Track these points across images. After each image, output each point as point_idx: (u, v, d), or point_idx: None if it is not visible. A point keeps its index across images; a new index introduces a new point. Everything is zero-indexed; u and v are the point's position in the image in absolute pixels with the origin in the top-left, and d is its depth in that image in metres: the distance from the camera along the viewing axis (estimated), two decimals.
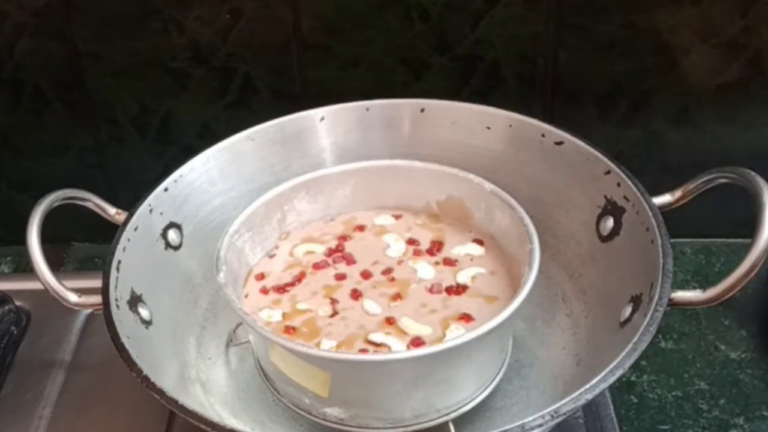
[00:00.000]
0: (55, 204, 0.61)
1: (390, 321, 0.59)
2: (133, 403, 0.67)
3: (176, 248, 0.66)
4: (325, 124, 0.70)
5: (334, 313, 0.60)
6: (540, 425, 0.48)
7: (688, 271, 0.81)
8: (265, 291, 0.63)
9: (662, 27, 0.75)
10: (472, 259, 0.64)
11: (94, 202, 0.64)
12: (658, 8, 0.74)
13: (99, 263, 0.57)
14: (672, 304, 0.54)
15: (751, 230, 0.53)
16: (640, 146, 0.78)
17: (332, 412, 0.56)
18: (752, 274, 0.52)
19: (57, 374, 0.72)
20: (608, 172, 0.64)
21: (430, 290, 0.62)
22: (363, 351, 0.57)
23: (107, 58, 0.79)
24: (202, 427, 0.50)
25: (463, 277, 0.63)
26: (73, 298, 0.59)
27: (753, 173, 0.55)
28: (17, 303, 0.76)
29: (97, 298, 0.57)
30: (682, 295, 0.54)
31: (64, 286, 0.59)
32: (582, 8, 0.75)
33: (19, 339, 0.75)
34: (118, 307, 0.57)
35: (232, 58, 0.79)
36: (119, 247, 0.60)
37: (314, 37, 0.78)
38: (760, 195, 0.54)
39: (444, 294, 0.62)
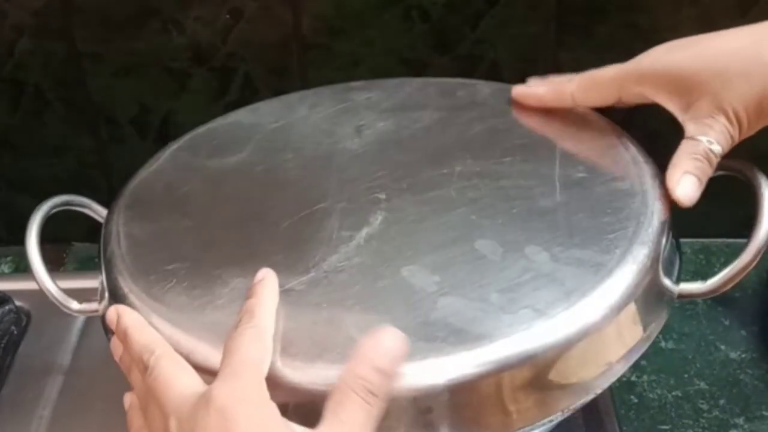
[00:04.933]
0: (53, 211, 0.61)
1: None
2: None
3: None
4: None
5: None
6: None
7: (688, 271, 0.81)
8: None
9: (662, 27, 0.75)
10: None
11: (92, 208, 0.64)
12: (658, 8, 0.74)
13: (98, 268, 0.57)
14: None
15: (750, 230, 0.53)
16: None
17: None
18: (753, 265, 0.52)
19: (57, 374, 0.72)
20: None
21: None
22: None
23: (107, 58, 0.80)
24: None
25: None
26: (74, 305, 0.59)
27: (752, 165, 0.55)
28: (17, 303, 0.76)
29: (98, 305, 0.57)
30: (683, 286, 0.54)
31: (65, 293, 0.59)
32: (582, 8, 0.75)
33: (19, 339, 0.75)
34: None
35: (232, 58, 0.79)
36: None
37: (314, 37, 0.78)
38: (759, 187, 0.54)
39: None
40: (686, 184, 0.54)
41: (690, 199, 0.54)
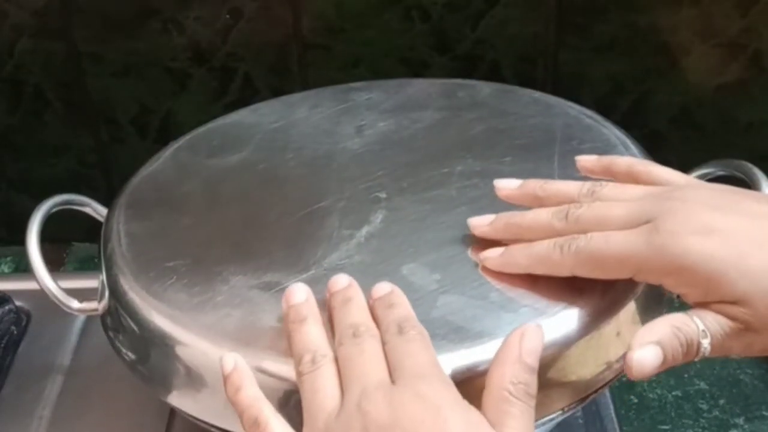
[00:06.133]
0: (53, 210, 0.61)
1: None
2: (133, 404, 0.67)
3: None
4: None
5: None
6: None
7: None
8: None
9: (662, 27, 0.75)
10: None
11: (92, 207, 0.64)
12: (658, 8, 0.74)
13: (98, 266, 0.57)
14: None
15: None
16: None
17: None
18: None
19: (57, 374, 0.72)
20: None
21: None
22: None
23: (107, 58, 0.80)
24: (205, 426, 0.50)
25: None
26: (75, 304, 0.59)
27: (751, 165, 0.55)
28: (17, 303, 0.76)
29: (98, 303, 0.57)
30: None
31: (65, 292, 0.59)
32: (582, 8, 0.75)
33: (19, 339, 0.75)
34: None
35: (232, 58, 0.79)
36: None
37: (314, 37, 0.78)
38: (758, 186, 0.54)
39: None
40: (650, 354, 0.44)
41: (642, 372, 0.44)
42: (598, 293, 0.49)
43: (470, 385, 0.45)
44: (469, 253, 0.52)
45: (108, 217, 0.59)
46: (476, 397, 0.44)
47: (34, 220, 0.60)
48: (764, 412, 0.69)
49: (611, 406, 0.67)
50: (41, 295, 0.60)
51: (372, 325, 0.46)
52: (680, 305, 0.56)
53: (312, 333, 0.46)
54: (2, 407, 0.70)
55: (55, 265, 0.86)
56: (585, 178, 0.54)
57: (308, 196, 0.58)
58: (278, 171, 0.61)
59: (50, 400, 0.70)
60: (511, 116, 0.64)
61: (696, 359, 0.46)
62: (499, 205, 0.55)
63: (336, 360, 0.45)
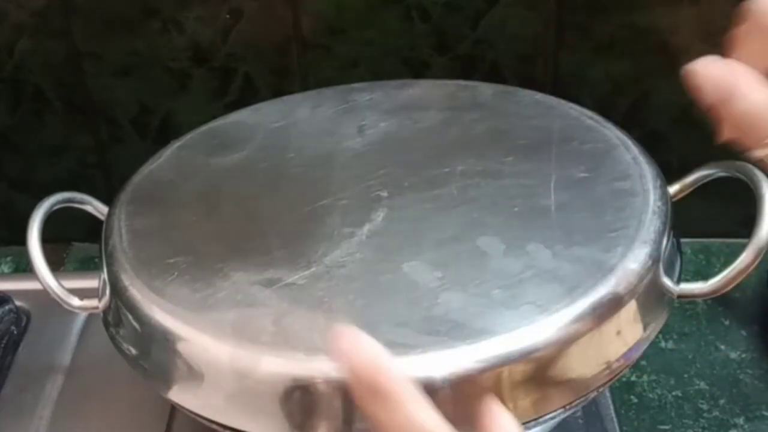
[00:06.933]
0: (54, 208, 0.62)
1: None
2: (134, 404, 0.67)
3: None
4: None
5: None
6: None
7: (688, 271, 0.81)
8: None
9: (662, 27, 0.75)
10: None
11: (93, 206, 0.64)
12: (658, 8, 0.74)
13: (99, 263, 0.57)
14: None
15: (751, 230, 0.53)
16: None
17: None
18: (753, 266, 0.52)
19: (57, 374, 0.72)
20: None
21: None
22: None
23: (107, 58, 0.80)
24: (206, 424, 0.50)
25: None
26: (75, 302, 0.59)
27: (751, 166, 0.55)
28: (17, 303, 0.76)
29: (98, 301, 0.57)
30: (684, 287, 0.54)
31: (66, 290, 0.59)
32: (582, 8, 0.75)
33: (19, 339, 0.75)
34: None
35: (232, 58, 0.79)
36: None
37: (314, 37, 0.78)
38: (759, 188, 0.54)
39: None
40: (715, 70, 0.47)
41: (695, 75, 0.47)
42: (599, 291, 0.49)
43: (472, 381, 0.45)
44: (471, 250, 0.52)
45: (109, 214, 0.59)
46: (478, 394, 0.44)
47: (35, 217, 0.60)
48: (764, 412, 0.69)
49: (611, 406, 0.67)
50: (41, 295, 0.60)
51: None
52: (680, 305, 0.56)
53: None
54: (2, 407, 0.70)
55: (54, 265, 0.85)
56: (579, 166, 0.56)
57: (309, 194, 0.58)
58: (280, 170, 0.61)
59: (50, 400, 0.70)
60: (513, 117, 0.64)
61: (755, 150, 0.47)
62: (500, 204, 0.55)
63: None
